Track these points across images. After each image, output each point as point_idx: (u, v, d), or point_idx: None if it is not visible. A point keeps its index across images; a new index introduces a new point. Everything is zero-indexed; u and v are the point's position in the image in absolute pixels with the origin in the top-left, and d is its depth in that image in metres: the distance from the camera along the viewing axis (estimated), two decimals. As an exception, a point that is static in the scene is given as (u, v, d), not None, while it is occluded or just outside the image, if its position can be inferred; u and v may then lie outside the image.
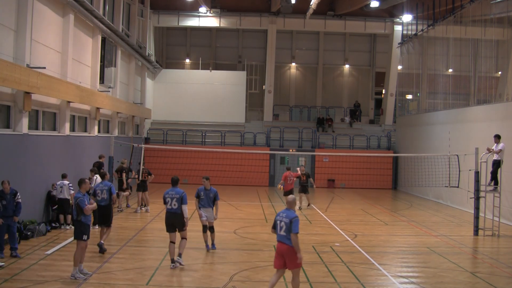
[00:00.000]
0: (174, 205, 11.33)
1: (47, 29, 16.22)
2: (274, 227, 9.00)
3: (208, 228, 13.00)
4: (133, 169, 20.36)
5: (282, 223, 8.78)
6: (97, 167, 17.45)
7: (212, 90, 35.20)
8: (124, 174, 19.16)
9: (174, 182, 11.55)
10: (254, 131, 33.36)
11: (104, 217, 12.71)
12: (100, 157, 18.57)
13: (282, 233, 8.78)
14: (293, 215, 8.79)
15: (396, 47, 33.68)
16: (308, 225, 17.55)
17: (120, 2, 24.41)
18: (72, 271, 10.02)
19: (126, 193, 19.54)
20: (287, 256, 8.76)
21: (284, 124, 35.07)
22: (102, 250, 12.27)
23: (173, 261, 11.22)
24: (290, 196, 9.32)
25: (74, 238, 10.35)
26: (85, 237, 10.23)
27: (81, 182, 10.54)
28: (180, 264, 11.23)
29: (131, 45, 25.95)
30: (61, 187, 15.38)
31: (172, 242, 11.32)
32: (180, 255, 11.40)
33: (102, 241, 12.39)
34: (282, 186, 20.38)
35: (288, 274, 10.82)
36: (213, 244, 13.10)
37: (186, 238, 11.59)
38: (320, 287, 10.02)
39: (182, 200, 11.30)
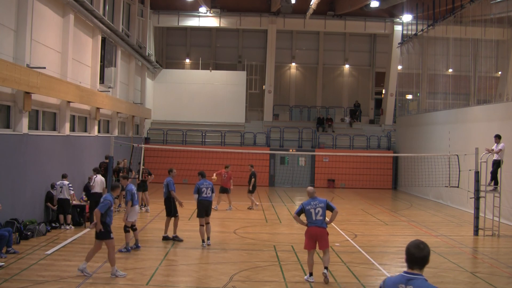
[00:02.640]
0: (208, 193, 13.38)
1: (47, 29, 16.22)
2: (299, 213, 10.20)
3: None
4: (133, 169, 20.35)
5: (318, 209, 10.14)
6: (105, 168, 17.42)
7: (212, 90, 35.20)
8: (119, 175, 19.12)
9: (203, 175, 13.66)
10: (254, 131, 33.36)
11: (165, 209, 14.05)
12: (106, 157, 18.55)
13: (319, 217, 10.11)
14: (324, 199, 10.34)
15: (396, 47, 33.68)
16: (308, 225, 17.54)
17: (120, 2, 24.41)
18: (112, 271, 10.16)
19: (124, 193, 19.46)
20: (322, 238, 10.12)
21: (284, 124, 35.06)
22: (178, 239, 13.80)
23: (203, 241, 13.28)
24: (310, 188, 10.56)
25: (101, 239, 10.31)
26: (112, 235, 10.37)
27: (114, 187, 10.80)
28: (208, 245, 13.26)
29: (131, 45, 25.95)
30: (61, 187, 15.37)
31: (202, 226, 13.34)
32: (208, 238, 13.38)
33: (174, 234, 13.90)
34: (215, 177, 20.05)
35: (288, 273, 10.86)
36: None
37: (209, 223, 13.55)
38: (320, 287, 10.03)
39: (213, 190, 13.50)
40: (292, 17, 34.30)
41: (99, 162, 19.08)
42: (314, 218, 10.14)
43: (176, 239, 13.89)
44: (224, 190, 20.54)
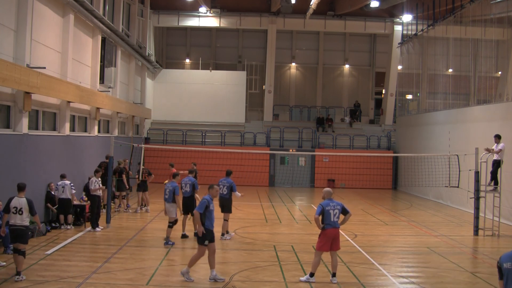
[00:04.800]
0: (225, 191, 14.20)
1: (47, 29, 16.22)
2: (320, 214, 10.25)
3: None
4: (133, 169, 20.34)
5: (336, 211, 10.35)
6: (105, 168, 17.38)
7: (212, 90, 35.21)
8: (124, 175, 19.12)
9: (228, 174, 14.54)
10: (254, 131, 33.36)
11: (187, 207, 14.28)
12: (107, 157, 18.53)
13: (335, 219, 10.32)
14: (341, 202, 10.61)
15: (396, 47, 33.68)
16: (308, 225, 17.54)
17: (120, 2, 24.41)
18: (211, 275, 10.10)
19: (124, 193, 19.43)
20: (337, 239, 10.35)
21: (284, 124, 35.06)
22: (184, 237, 14.29)
23: (223, 234, 14.27)
24: (330, 189, 10.78)
25: (201, 244, 10.23)
26: (206, 242, 10.20)
27: (210, 188, 10.54)
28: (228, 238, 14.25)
29: (131, 45, 25.95)
30: (63, 187, 15.36)
31: (225, 220, 14.35)
32: (227, 232, 14.38)
33: (183, 232, 14.33)
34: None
35: (288, 273, 10.86)
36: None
37: (227, 220, 14.40)
38: (320, 287, 10.03)
39: (232, 188, 14.21)
40: (292, 17, 34.30)
41: (99, 162, 19.04)
42: (332, 219, 10.26)
43: (183, 236, 14.33)
44: None
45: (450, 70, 27.16)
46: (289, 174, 31.28)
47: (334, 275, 10.33)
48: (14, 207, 10.06)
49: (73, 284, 9.65)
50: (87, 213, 16.08)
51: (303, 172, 31.54)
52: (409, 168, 27.63)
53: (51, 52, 16.64)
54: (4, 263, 10.89)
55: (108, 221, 15.88)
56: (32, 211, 10.15)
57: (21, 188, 10.28)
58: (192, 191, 14.37)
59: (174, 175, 14.21)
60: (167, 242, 13.53)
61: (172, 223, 13.76)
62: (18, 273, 9.86)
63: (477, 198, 16.42)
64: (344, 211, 10.47)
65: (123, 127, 27.42)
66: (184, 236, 14.40)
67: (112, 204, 17.67)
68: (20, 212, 10.03)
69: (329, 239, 10.23)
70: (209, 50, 39.17)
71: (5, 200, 12.42)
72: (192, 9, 33.86)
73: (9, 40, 13.84)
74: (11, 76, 12.60)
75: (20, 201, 10.08)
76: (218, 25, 35.06)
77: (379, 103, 39.04)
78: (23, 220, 10.08)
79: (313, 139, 33.21)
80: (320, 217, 10.27)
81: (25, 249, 10.19)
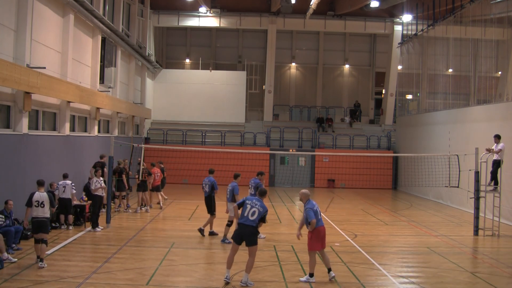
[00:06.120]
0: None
1: (47, 29, 16.23)
2: (316, 216, 10.33)
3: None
4: (132, 169, 20.33)
5: (319, 209, 10.59)
6: (100, 167, 17.37)
7: (212, 90, 35.22)
8: (124, 175, 19.11)
9: (258, 174, 14.77)
10: (254, 131, 33.36)
11: (206, 206, 14.84)
12: (101, 157, 18.55)
13: (320, 216, 10.50)
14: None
15: (396, 47, 33.68)
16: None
17: (120, 2, 24.42)
18: (243, 278, 9.96)
19: (124, 193, 19.41)
20: (325, 236, 10.50)
21: (284, 124, 35.06)
22: (203, 234, 14.67)
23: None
24: (307, 191, 10.64)
25: (251, 245, 10.17)
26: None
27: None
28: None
29: (131, 45, 25.95)
30: (64, 186, 15.34)
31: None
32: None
33: (202, 227, 14.78)
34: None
35: (288, 273, 10.86)
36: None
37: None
38: (320, 287, 10.03)
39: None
40: (292, 17, 34.30)
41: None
42: (319, 217, 10.41)
43: (212, 234, 14.83)
44: (157, 189, 20.28)
45: (450, 70, 27.16)
46: (289, 174, 31.28)
47: (330, 270, 10.45)
48: (36, 201, 11.10)
49: (73, 284, 9.64)
50: (87, 213, 16.07)
51: (303, 172, 31.54)
52: (409, 168, 27.63)
53: (51, 52, 16.65)
54: (16, 259, 11.05)
55: (108, 221, 15.87)
56: (52, 204, 11.34)
57: (41, 183, 11.39)
58: (211, 191, 14.69)
59: (236, 176, 14.41)
60: (224, 240, 13.80)
61: (231, 222, 13.84)
62: (41, 260, 10.82)
63: (477, 198, 16.41)
64: None
65: (123, 127, 27.43)
66: (212, 234, 14.81)
67: (112, 204, 17.65)
68: (42, 205, 11.09)
69: (319, 237, 10.34)
70: (209, 50, 39.18)
71: (4, 199, 12.54)
72: (192, 9, 33.87)
73: (9, 40, 13.85)
74: (11, 76, 12.61)
75: (41, 195, 11.16)
76: (218, 25, 35.07)
77: (379, 103, 39.05)
78: (45, 212, 11.13)
79: (313, 139, 33.21)
80: None
81: (47, 238, 11.19)
